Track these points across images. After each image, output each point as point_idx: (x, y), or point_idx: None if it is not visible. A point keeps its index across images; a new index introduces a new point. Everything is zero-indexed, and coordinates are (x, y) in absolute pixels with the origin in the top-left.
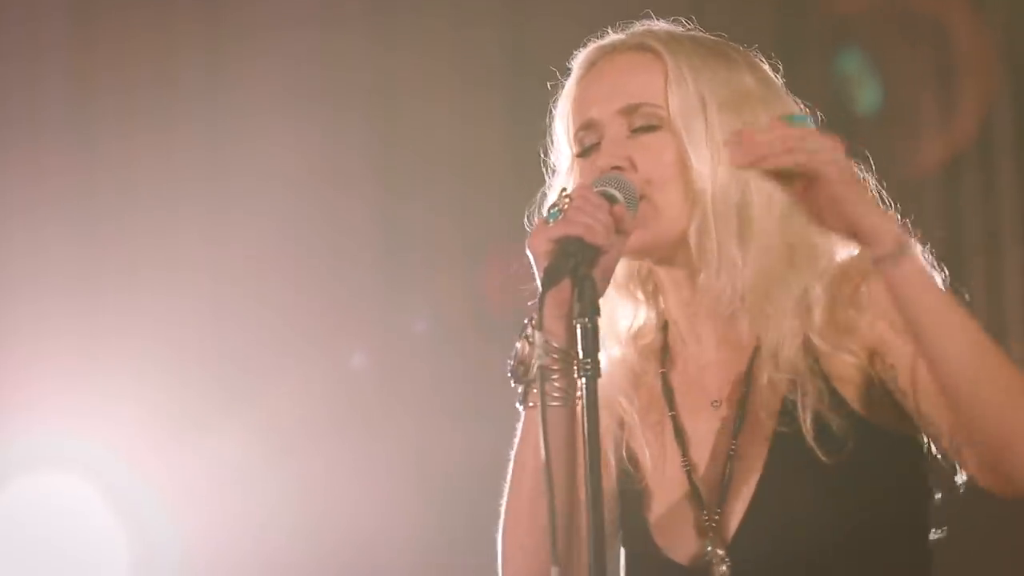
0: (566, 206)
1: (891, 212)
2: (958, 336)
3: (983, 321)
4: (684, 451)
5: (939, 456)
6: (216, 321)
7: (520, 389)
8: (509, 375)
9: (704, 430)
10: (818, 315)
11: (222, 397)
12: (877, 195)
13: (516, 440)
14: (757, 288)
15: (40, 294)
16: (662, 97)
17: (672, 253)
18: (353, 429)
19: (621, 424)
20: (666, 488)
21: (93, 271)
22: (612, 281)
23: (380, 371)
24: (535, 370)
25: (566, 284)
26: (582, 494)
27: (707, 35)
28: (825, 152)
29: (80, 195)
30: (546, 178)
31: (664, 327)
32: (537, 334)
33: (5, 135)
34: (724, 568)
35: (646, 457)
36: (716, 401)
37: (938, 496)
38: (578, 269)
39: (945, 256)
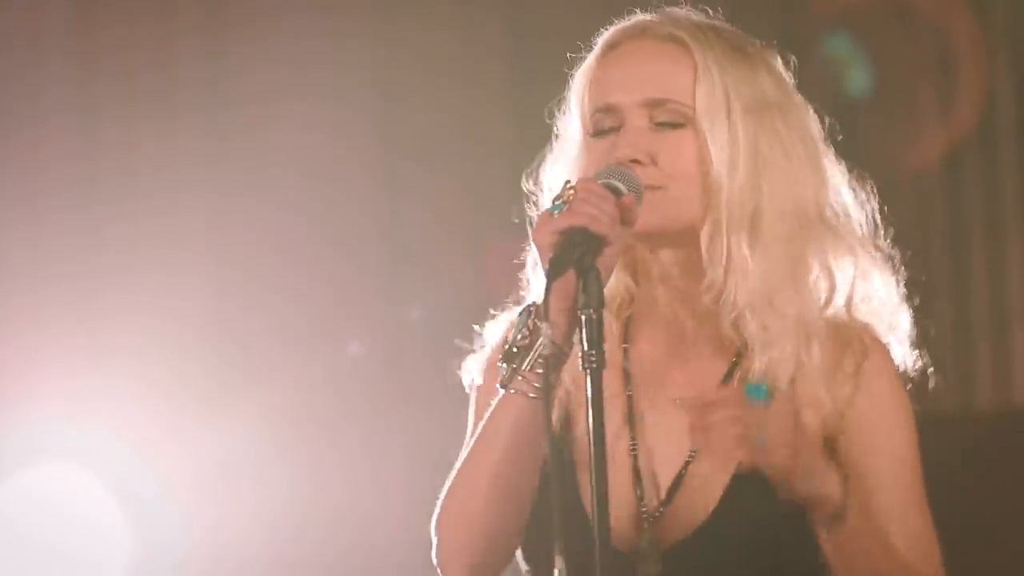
0: (570, 198)
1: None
2: None
3: (986, 312)
4: (633, 434)
5: None
6: (219, 310)
7: (505, 372)
8: (500, 360)
9: (662, 423)
10: (816, 355)
11: (225, 386)
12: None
13: (475, 419)
14: (761, 295)
15: (42, 283)
16: (689, 94)
17: (674, 242)
18: (356, 417)
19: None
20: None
21: (95, 260)
22: None
23: (383, 359)
24: (532, 358)
25: (571, 276)
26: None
27: (727, 27)
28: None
29: (81, 184)
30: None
31: (631, 303)
32: (543, 324)
33: (6, 124)
34: (654, 566)
35: (584, 426)
36: (681, 399)
37: None
38: (583, 260)
39: (948, 247)
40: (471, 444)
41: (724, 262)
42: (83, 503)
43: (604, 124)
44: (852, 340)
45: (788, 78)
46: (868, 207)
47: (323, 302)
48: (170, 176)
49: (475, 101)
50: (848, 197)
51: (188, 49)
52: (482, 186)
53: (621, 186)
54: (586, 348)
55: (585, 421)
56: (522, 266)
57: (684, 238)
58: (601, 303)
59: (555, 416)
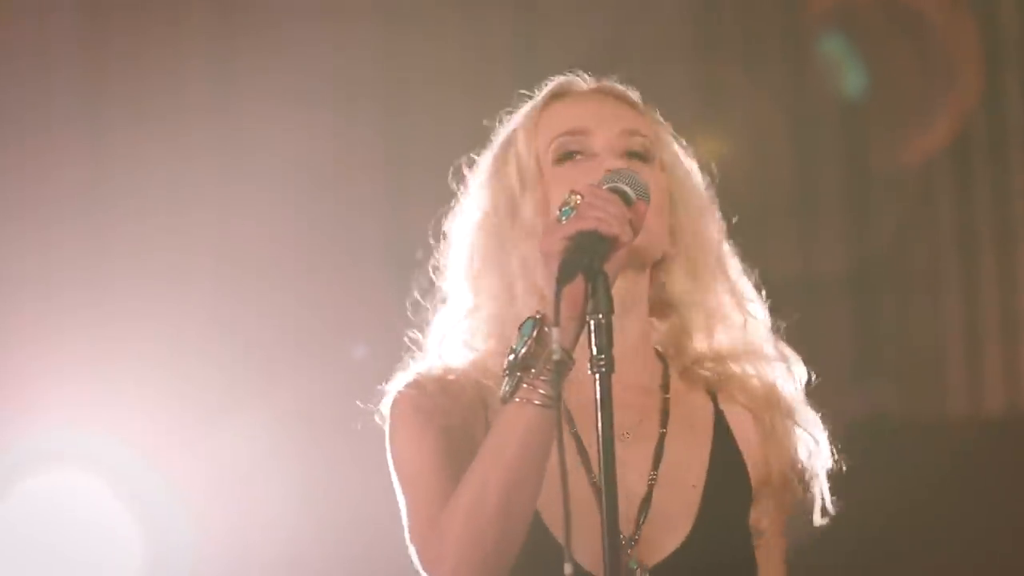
0: (577, 204)
1: None
2: None
3: (996, 315)
4: (588, 467)
5: None
6: (226, 316)
7: (509, 384)
8: (505, 369)
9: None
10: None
11: (234, 391)
12: None
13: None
14: (708, 318)
15: (50, 291)
16: (652, 137)
17: (640, 270)
18: (364, 422)
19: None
20: (579, 485)
21: (103, 268)
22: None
23: (393, 363)
24: (540, 366)
25: (579, 282)
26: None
27: None
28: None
29: (89, 191)
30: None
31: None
32: (554, 331)
33: (15, 131)
34: None
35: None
36: (626, 433)
37: None
38: (592, 265)
39: (957, 250)
40: (477, 458)
41: (674, 292)
42: (93, 509)
43: (570, 147)
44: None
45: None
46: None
47: (330, 307)
48: (176, 183)
49: (482, 108)
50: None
51: (195, 57)
52: None
53: (628, 189)
54: (595, 352)
55: (576, 428)
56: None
57: (649, 265)
58: (610, 307)
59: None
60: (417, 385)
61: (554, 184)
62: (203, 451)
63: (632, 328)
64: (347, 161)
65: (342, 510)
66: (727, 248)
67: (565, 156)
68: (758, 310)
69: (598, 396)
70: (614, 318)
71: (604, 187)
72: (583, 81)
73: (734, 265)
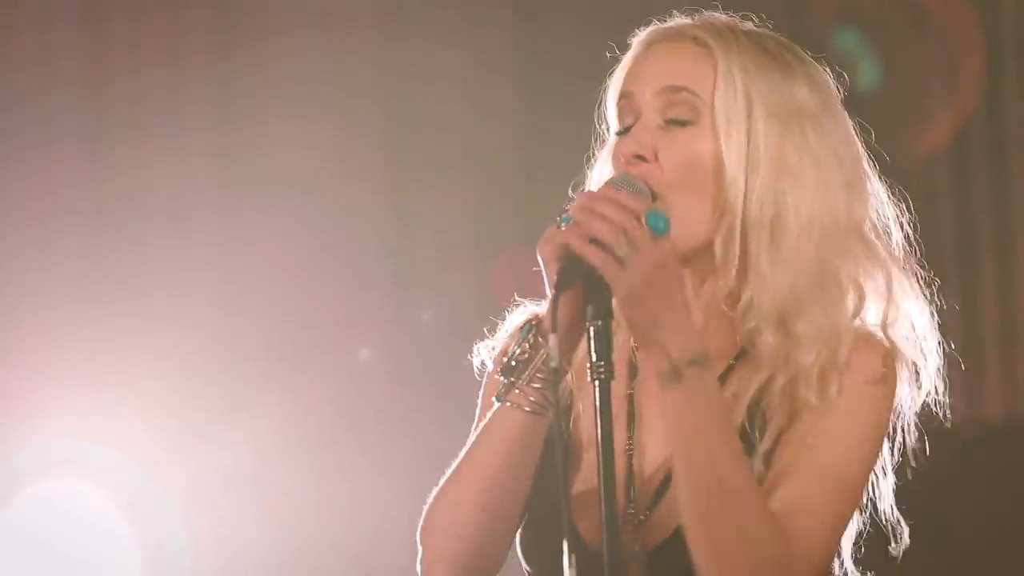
0: None
1: (687, 334)
2: (700, 472)
3: (995, 319)
4: (631, 434)
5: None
6: (227, 322)
7: (502, 386)
8: (499, 372)
9: (657, 424)
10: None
11: (234, 397)
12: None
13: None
14: (786, 308)
15: (51, 299)
16: (705, 89)
17: (686, 260)
18: (365, 427)
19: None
20: (591, 465)
21: (103, 275)
22: None
23: (391, 369)
24: (530, 372)
25: (577, 289)
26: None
27: (773, 36)
28: (622, 264)
29: (91, 200)
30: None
31: None
32: (552, 336)
33: (16, 141)
34: (636, 567)
35: (587, 424)
36: None
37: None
38: (590, 272)
39: (956, 254)
40: (462, 453)
41: (739, 268)
42: (93, 518)
43: (623, 119)
44: (876, 347)
45: (834, 93)
46: (907, 228)
47: (331, 313)
48: (177, 192)
49: (482, 113)
50: (889, 217)
51: (196, 69)
52: (490, 196)
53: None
54: (595, 359)
55: (587, 412)
56: (529, 275)
57: (696, 253)
58: (609, 314)
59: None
60: None
61: (609, 154)
62: (202, 460)
63: (708, 294)
64: (348, 167)
65: (342, 516)
66: (829, 220)
67: (620, 132)
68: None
69: (597, 403)
70: (689, 286)
71: None
72: (659, 29)
73: (832, 241)
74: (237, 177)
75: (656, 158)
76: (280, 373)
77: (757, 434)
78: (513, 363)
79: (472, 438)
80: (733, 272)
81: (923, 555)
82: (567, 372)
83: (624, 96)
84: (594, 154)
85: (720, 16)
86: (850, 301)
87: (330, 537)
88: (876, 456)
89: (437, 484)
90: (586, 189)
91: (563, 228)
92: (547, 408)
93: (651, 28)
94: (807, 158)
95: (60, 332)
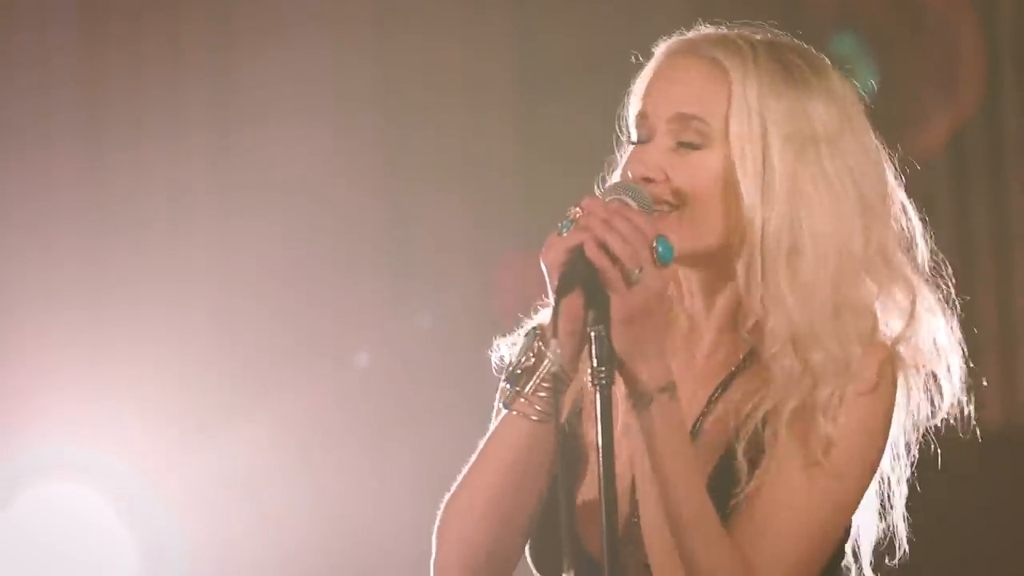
0: (577, 216)
1: (662, 362)
2: (675, 494)
3: (993, 322)
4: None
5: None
6: (224, 326)
7: (508, 393)
8: (503, 380)
9: None
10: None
11: (231, 402)
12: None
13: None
14: (805, 333)
15: (49, 303)
16: (718, 116)
17: (692, 266)
18: (361, 431)
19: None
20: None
21: (102, 279)
22: None
23: (388, 374)
24: (535, 381)
25: (578, 296)
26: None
27: (795, 48)
28: (629, 286)
29: (89, 203)
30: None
31: None
32: (552, 341)
33: (14, 144)
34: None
35: (588, 436)
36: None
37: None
38: (593, 277)
39: (954, 260)
40: (473, 459)
41: (762, 294)
42: (91, 522)
43: (640, 133)
44: (880, 350)
45: (855, 107)
46: (930, 243)
47: (329, 317)
48: (177, 195)
49: (481, 115)
50: (917, 232)
51: (195, 69)
52: (488, 200)
53: (630, 201)
54: (595, 365)
55: (589, 435)
56: (528, 281)
57: (702, 261)
58: (610, 320)
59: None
60: None
61: (624, 163)
62: (200, 464)
63: (720, 306)
64: (347, 171)
65: (339, 521)
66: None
67: (636, 143)
68: (854, 323)
69: (597, 409)
70: (699, 299)
71: (607, 199)
72: (681, 42)
73: (833, 265)
74: (235, 179)
75: (666, 178)
76: (279, 377)
77: (750, 462)
78: (518, 371)
79: (482, 444)
80: (757, 295)
81: (924, 558)
82: (571, 378)
83: (641, 115)
84: (616, 156)
85: (740, 31)
86: (865, 329)
87: (327, 542)
88: (868, 470)
89: (435, 487)
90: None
91: (564, 235)
92: (552, 416)
93: (674, 39)
94: (823, 184)
95: (59, 336)
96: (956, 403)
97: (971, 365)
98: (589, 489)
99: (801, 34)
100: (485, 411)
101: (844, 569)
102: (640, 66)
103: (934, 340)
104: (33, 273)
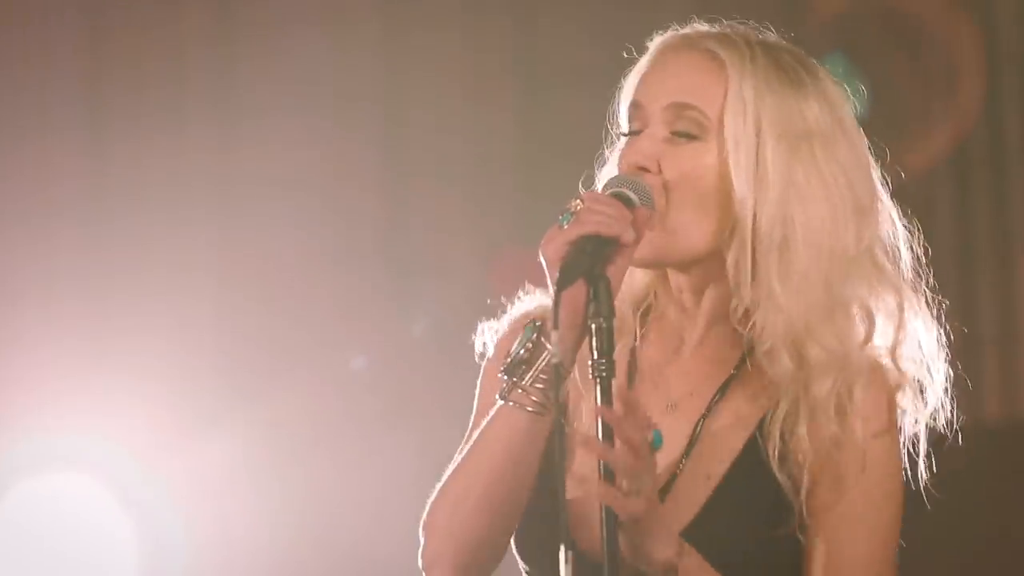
0: (577, 208)
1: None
2: None
3: (995, 325)
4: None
5: None
6: (225, 322)
7: (504, 384)
8: (501, 371)
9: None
10: (857, 396)
11: (231, 397)
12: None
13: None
14: (799, 331)
15: (50, 295)
16: (714, 108)
17: (681, 270)
18: (361, 427)
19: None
20: (589, 470)
21: (104, 272)
22: None
23: (387, 371)
24: (534, 373)
25: (579, 288)
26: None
27: (786, 49)
28: (624, 493)
29: (89, 196)
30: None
31: (648, 309)
32: (553, 333)
33: (15, 136)
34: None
35: (586, 428)
36: (672, 404)
37: None
38: (594, 269)
39: (956, 259)
40: (464, 450)
41: (752, 291)
42: (91, 513)
43: (632, 124)
44: (885, 385)
45: (848, 111)
46: (917, 250)
47: (328, 313)
48: (178, 190)
49: (482, 113)
50: (901, 239)
51: (197, 64)
52: (488, 198)
53: (631, 195)
54: (596, 357)
55: (587, 415)
56: (528, 279)
57: (691, 264)
58: (611, 312)
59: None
60: None
61: (617, 155)
62: (201, 455)
63: (710, 302)
64: (347, 168)
65: (338, 513)
66: (830, 244)
67: (628, 134)
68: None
69: (597, 402)
70: (689, 299)
71: (606, 192)
72: (677, 36)
73: (824, 263)
74: (236, 174)
75: (659, 169)
76: (278, 369)
77: (789, 480)
78: (516, 362)
79: (474, 434)
80: (748, 290)
81: (922, 556)
82: (570, 372)
83: (634, 105)
84: (605, 152)
85: (737, 27)
86: (860, 326)
87: (326, 535)
88: (901, 505)
89: (436, 483)
90: (595, 188)
91: (565, 227)
92: (548, 409)
93: (669, 33)
94: (816, 181)
95: (59, 326)
96: (938, 409)
97: (956, 371)
98: (577, 485)
99: (800, 40)
100: None
101: None
102: (633, 60)
103: (919, 346)
104: (34, 263)
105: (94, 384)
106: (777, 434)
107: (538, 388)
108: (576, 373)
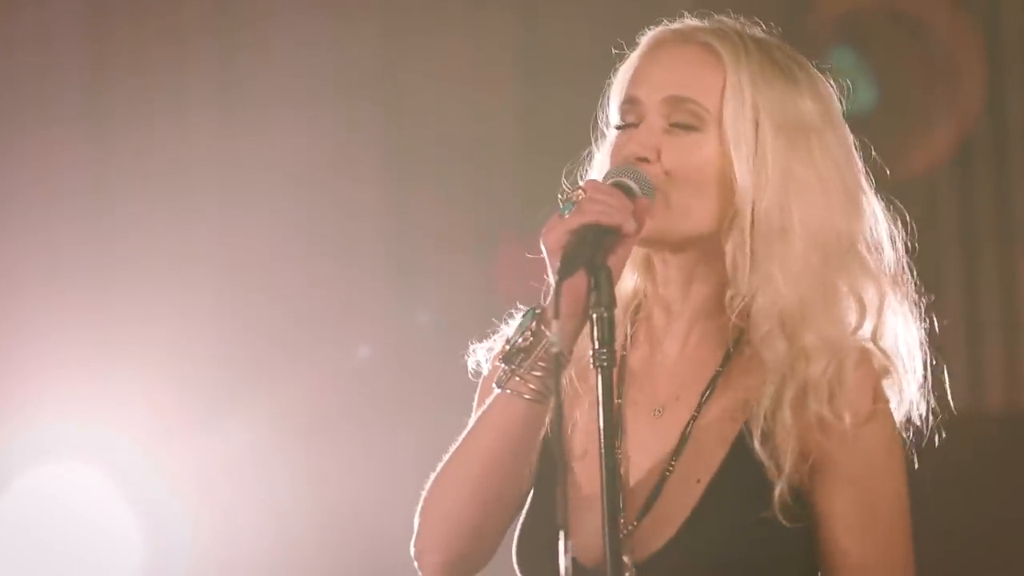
0: (579, 198)
1: None
2: None
3: (996, 315)
4: (619, 444)
5: None
6: (228, 314)
7: (502, 372)
8: (499, 359)
9: (643, 434)
10: (848, 378)
11: (235, 390)
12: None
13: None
14: (794, 315)
15: (53, 285)
16: (712, 100)
17: (677, 250)
18: (364, 419)
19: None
20: (582, 474)
21: (106, 262)
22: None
23: (391, 362)
24: (532, 360)
25: (579, 278)
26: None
27: (781, 46)
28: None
29: (92, 187)
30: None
31: (637, 310)
32: (554, 323)
33: (16, 125)
34: None
35: (572, 436)
36: (659, 409)
37: None
38: (595, 258)
39: (958, 250)
40: (461, 438)
41: (750, 276)
42: (93, 505)
43: (627, 118)
44: (871, 369)
45: (836, 106)
46: (900, 246)
47: (331, 306)
48: (180, 180)
49: (484, 105)
50: (884, 234)
51: (197, 54)
52: (491, 190)
53: (632, 184)
54: (597, 347)
55: (580, 421)
56: (531, 271)
57: (689, 245)
58: (612, 302)
59: (549, 417)
60: None
61: (610, 148)
62: (203, 448)
63: (696, 296)
64: (349, 161)
65: (344, 510)
66: (826, 235)
67: (621, 127)
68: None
69: (599, 392)
70: (680, 289)
71: (607, 182)
72: (672, 30)
73: (820, 254)
74: (238, 167)
75: (659, 158)
76: (281, 363)
77: (770, 456)
78: (515, 350)
79: (469, 425)
80: (745, 278)
81: (923, 549)
82: (570, 360)
83: (629, 100)
84: (595, 145)
85: (729, 22)
86: (852, 313)
87: (330, 529)
88: (907, 491)
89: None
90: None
91: (566, 216)
92: (546, 397)
93: (660, 28)
94: (812, 172)
95: (62, 318)
96: (915, 403)
97: (934, 364)
98: (571, 492)
99: (802, 43)
100: None
101: None
102: (624, 56)
103: (897, 340)
104: (35, 252)
105: (97, 375)
106: (762, 415)
107: (535, 376)
108: (568, 381)
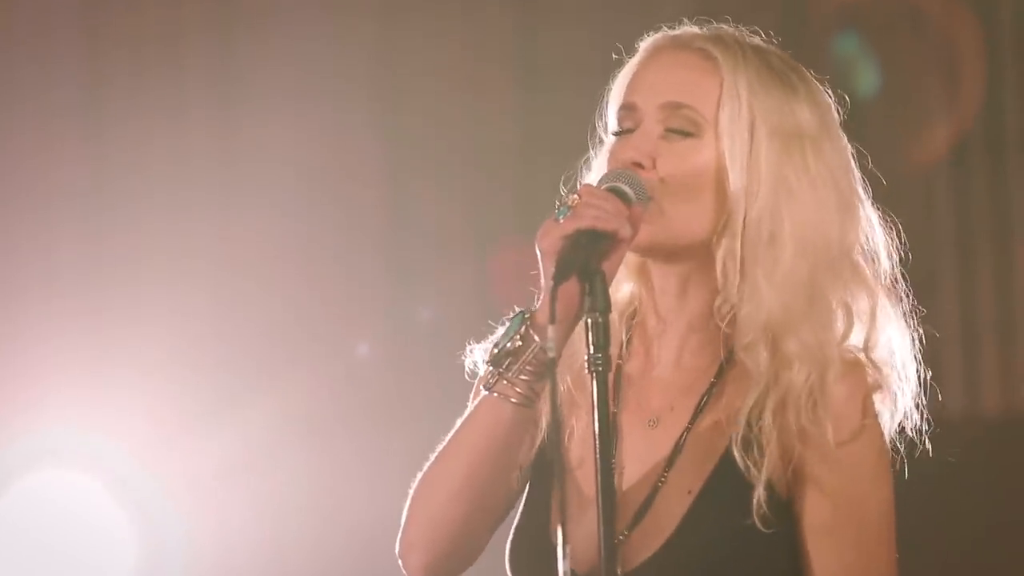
0: (574, 203)
1: None
2: None
3: (992, 315)
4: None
5: None
6: (224, 313)
7: (490, 375)
8: (487, 360)
9: (638, 443)
10: (830, 389)
11: (231, 390)
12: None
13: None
14: (779, 324)
15: (49, 287)
16: (709, 106)
17: (672, 258)
18: (361, 421)
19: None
20: (576, 484)
21: (102, 263)
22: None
23: (388, 362)
24: (520, 364)
25: (573, 283)
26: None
27: (778, 54)
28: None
29: (88, 184)
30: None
31: (632, 317)
32: (550, 328)
33: (14, 123)
34: None
35: (568, 444)
36: (654, 420)
37: None
38: (589, 263)
39: (954, 249)
40: (447, 439)
41: (739, 283)
42: (89, 509)
43: (624, 124)
44: (861, 383)
45: (834, 115)
46: (895, 256)
47: (328, 306)
48: (178, 179)
49: (481, 105)
50: (879, 243)
51: (195, 55)
52: (488, 191)
53: (627, 190)
54: (592, 352)
55: (576, 429)
56: (527, 272)
57: (684, 254)
58: (607, 306)
59: (543, 422)
60: None
61: (606, 155)
62: (199, 451)
63: (691, 305)
64: (347, 160)
65: (340, 512)
66: (822, 243)
67: (618, 133)
68: (830, 320)
69: (594, 397)
70: (675, 298)
71: (602, 187)
72: (669, 36)
73: (815, 262)
74: (235, 167)
75: (654, 165)
76: (278, 365)
77: (750, 462)
78: (503, 353)
79: (456, 426)
80: (735, 285)
81: (920, 550)
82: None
83: (627, 106)
84: (593, 152)
85: (727, 29)
86: (839, 323)
87: (325, 530)
88: (892, 506)
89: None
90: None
91: (561, 221)
92: (533, 401)
93: (658, 35)
94: (805, 180)
95: (58, 321)
96: (908, 413)
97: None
98: (580, 489)
99: (798, 39)
100: None
101: None
102: (623, 62)
103: (891, 350)
104: (32, 252)
105: (93, 378)
106: (744, 421)
107: (523, 379)
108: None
